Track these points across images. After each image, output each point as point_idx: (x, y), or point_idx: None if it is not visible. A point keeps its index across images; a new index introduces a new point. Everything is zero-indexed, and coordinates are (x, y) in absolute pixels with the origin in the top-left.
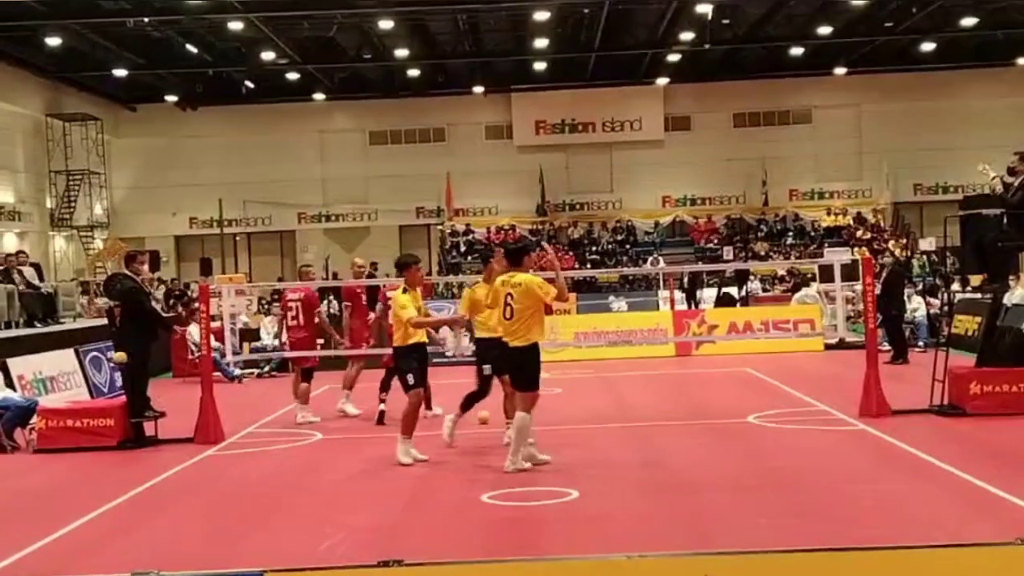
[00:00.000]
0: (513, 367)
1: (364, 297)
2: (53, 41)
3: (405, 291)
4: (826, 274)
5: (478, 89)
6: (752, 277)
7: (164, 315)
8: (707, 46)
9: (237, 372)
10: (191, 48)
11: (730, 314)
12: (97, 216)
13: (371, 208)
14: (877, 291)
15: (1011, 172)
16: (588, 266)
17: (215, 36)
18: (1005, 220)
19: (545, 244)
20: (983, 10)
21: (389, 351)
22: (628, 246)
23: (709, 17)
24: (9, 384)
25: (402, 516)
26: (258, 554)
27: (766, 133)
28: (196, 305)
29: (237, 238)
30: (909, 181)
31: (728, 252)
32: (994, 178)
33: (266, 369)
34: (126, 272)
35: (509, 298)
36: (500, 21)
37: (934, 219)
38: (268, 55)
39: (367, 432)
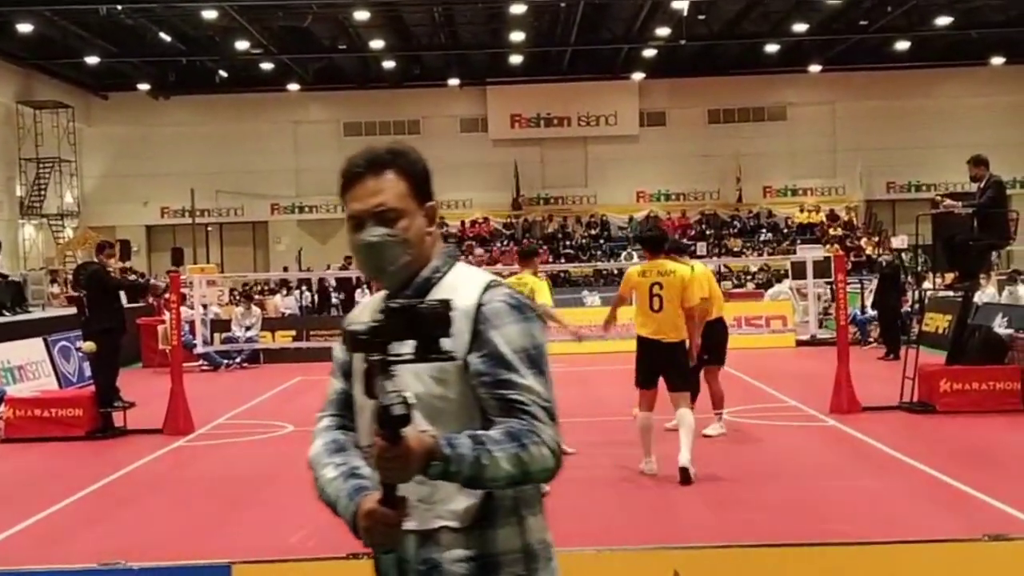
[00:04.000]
0: (670, 364)
1: None
2: (24, 27)
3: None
4: (799, 271)
5: (453, 82)
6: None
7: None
8: (683, 42)
9: (225, 360)
10: (164, 36)
11: None
12: (68, 205)
13: None
14: (872, 288)
15: (973, 179)
16: (562, 260)
17: (188, 24)
18: (975, 221)
19: None
20: (957, 9)
21: None
22: (602, 241)
23: (685, 13)
24: None
25: None
26: (226, 546)
27: (741, 129)
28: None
29: (209, 228)
30: (882, 179)
31: (702, 248)
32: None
33: (237, 360)
34: (94, 260)
35: (657, 288)
36: (476, 14)
37: (906, 217)
38: (242, 44)
39: None
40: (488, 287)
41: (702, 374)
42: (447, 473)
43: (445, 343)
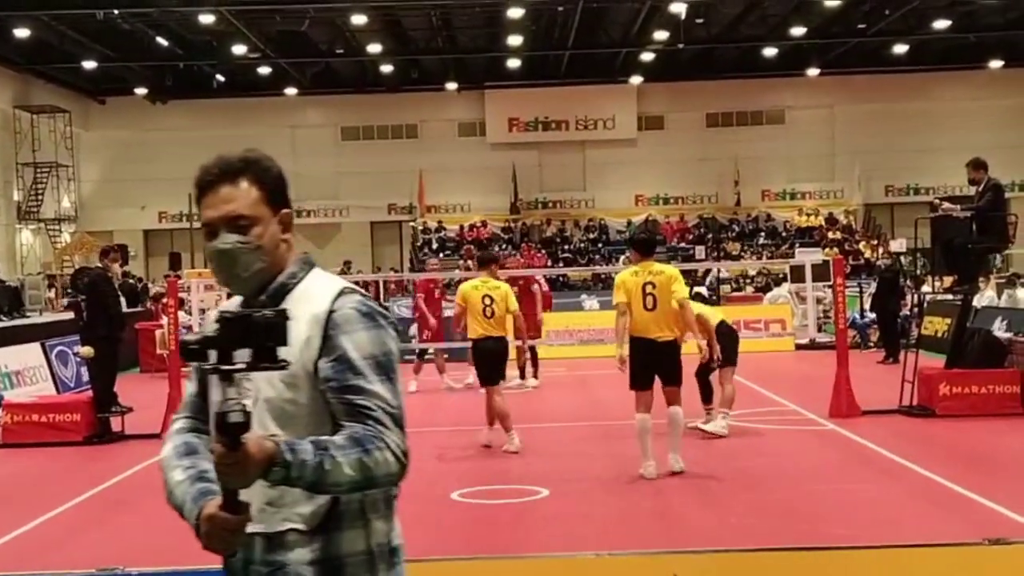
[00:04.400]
0: (664, 362)
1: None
2: (22, 32)
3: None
4: (798, 274)
5: (451, 86)
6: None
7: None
8: (681, 45)
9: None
10: (161, 41)
11: None
12: (65, 209)
13: (342, 204)
14: (871, 291)
15: (972, 182)
16: (560, 264)
17: (186, 29)
18: (974, 224)
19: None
20: (955, 13)
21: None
22: (600, 245)
23: (683, 16)
24: None
25: None
26: None
27: (739, 133)
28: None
29: None
30: (881, 182)
31: (700, 252)
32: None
33: None
34: (98, 265)
35: (650, 287)
36: (474, 17)
37: (905, 220)
38: (239, 49)
39: None
40: (341, 294)
41: (716, 376)
42: (289, 478)
43: (283, 351)
